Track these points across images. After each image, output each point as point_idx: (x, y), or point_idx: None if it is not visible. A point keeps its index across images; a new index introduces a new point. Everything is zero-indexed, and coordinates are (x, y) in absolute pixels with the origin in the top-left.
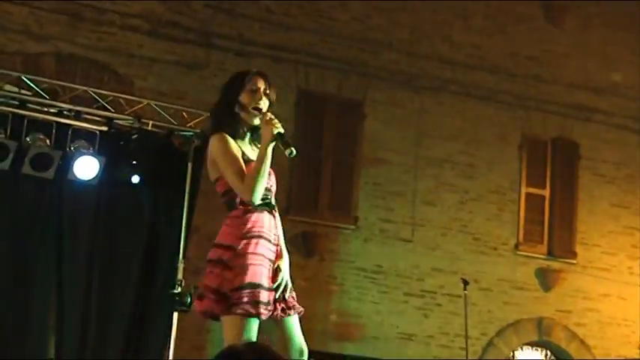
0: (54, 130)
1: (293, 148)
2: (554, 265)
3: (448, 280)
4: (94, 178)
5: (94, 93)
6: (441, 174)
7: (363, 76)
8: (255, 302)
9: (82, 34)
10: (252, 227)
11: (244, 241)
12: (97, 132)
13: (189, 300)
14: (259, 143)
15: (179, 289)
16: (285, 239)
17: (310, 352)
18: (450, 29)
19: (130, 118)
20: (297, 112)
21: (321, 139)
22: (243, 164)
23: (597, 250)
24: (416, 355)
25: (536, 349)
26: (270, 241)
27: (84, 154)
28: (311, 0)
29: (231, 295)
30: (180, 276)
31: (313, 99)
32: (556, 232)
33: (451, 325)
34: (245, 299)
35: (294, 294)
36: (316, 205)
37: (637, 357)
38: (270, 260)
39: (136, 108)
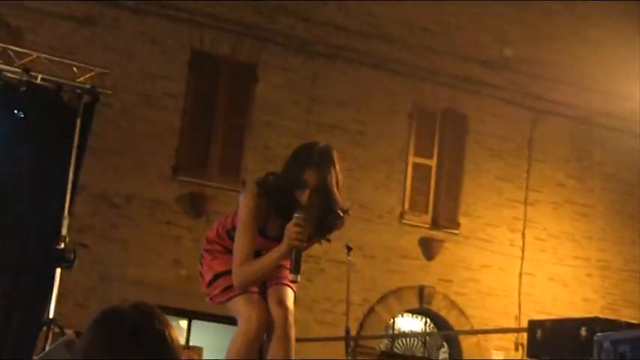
0: None
1: (298, 276)
2: (438, 234)
3: (333, 246)
4: None
5: None
6: (331, 140)
7: (258, 39)
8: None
9: None
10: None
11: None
12: None
13: (72, 256)
14: (282, 221)
15: (62, 245)
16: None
17: (188, 312)
18: None
19: (19, 70)
20: (189, 72)
21: (213, 101)
22: (253, 248)
23: (480, 222)
24: (299, 318)
25: (417, 317)
26: None
27: None
28: None
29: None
30: (64, 232)
31: (207, 60)
32: (441, 203)
33: (334, 291)
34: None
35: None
36: (206, 166)
37: (514, 327)
38: None
39: (25, 60)
